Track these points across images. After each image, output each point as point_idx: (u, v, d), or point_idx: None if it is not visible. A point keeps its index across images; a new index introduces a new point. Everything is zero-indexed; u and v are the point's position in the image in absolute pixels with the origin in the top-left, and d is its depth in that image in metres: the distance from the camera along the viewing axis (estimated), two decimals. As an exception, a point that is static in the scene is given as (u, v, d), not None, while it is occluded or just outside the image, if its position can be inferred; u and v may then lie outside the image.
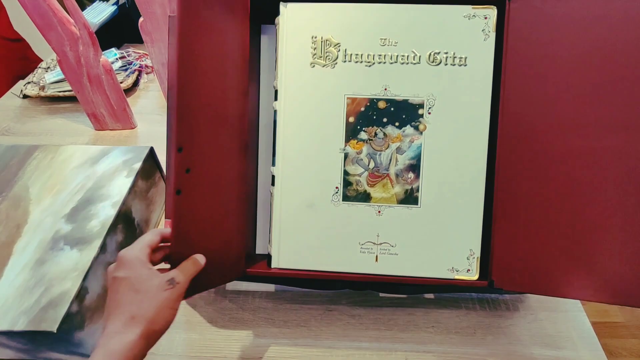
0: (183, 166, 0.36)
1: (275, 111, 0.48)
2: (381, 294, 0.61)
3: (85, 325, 0.49)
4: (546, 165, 0.44)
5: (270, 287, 0.62)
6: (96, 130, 0.90)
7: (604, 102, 0.42)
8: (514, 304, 0.60)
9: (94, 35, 0.74)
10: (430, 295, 0.61)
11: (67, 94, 0.94)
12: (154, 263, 0.39)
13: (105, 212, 0.55)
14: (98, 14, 1.05)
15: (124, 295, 0.35)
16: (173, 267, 0.39)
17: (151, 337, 0.35)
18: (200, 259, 0.40)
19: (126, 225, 0.58)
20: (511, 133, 0.45)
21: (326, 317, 0.58)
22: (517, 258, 0.46)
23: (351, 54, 0.46)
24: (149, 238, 0.39)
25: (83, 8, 1.10)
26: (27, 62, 1.18)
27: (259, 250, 0.54)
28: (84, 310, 0.48)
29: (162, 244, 0.40)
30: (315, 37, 0.46)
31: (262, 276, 0.50)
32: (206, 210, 0.40)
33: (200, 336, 0.56)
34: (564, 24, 0.43)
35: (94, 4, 1.11)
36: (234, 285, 0.62)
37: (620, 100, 0.42)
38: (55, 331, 0.43)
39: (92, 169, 0.62)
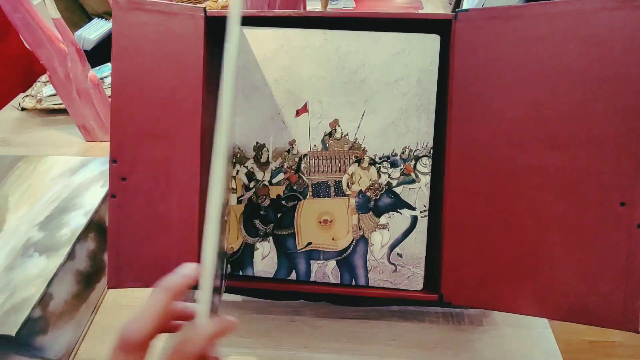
0: (118, 175, 0.38)
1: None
2: (346, 306, 0.61)
3: (49, 330, 0.51)
4: (494, 182, 0.45)
5: (237, 297, 0.63)
6: (87, 141, 0.93)
7: (547, 120, 0.43)
8: (478, 318, 0.60)
9: (82, 51, 0.78)
10: (395, 308, 0.61)
11: (61, 106, 0.98)
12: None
13: (77, 220, 0.58)
14: (96, 31, 1.09)
15: None
16: None
17: None
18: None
19: (99, 234, 0.60)
20: (459, 150, 0.46)
21: (289, 327, 0.59)
22: (466, 273, 0.46)
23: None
24: (161, 304, 0.30)
25: (82, 25, 1.15)
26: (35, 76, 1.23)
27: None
28: (47, 316, 0.50)
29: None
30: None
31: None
32: (142, 217, 0.42)
33: (162, 343, 0.57)
34: (507, 43, 0.44)
35: (93, 21, 1.16)
36: (202, 294, 0.63)
37: (562, 117, 0.42)
38: (14, 335, 0.45)
39: (69, 179, 0.65)
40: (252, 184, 0.50)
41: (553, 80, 0.43)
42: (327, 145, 0.49)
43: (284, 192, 0.49)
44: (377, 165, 0.48)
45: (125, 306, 0.62)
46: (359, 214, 0.49)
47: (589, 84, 0.42)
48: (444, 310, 0.61)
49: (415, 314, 0.61)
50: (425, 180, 0.48)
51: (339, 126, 0.48)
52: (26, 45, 0.91)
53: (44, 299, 0.50)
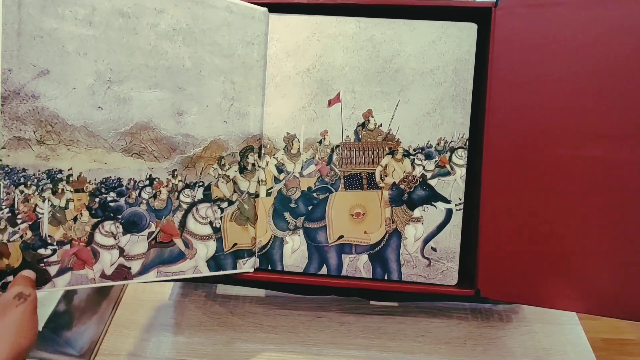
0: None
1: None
2: (372, 302, 0.60)
3: (73, 325, 0.49)
4: (532, 174, 0.44)
5: (260, 292, 0.62)
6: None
7: (588, 111, 0.42)
8: (508, 315, 0.59)
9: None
10: (422, 304, 0.60)
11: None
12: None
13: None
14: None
15: None
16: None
17: (20, 357, 0.34)
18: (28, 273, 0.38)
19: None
20: (497, 141, 0.44)
21: (315, 323, 0.58)
22: (503, 267, 0.45)
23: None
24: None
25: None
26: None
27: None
28: (72, 310, 0.49)
29: None
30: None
31: (252, 280, 0.50)
32: None
33: (188, 340, 0.56)
34: (550, 31, 0.42)
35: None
36: (224, 289, 0.62)
37: (604, 108, 0.41)
38: (40, 329, 0.44)
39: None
40: (282, 176, 0.48)
41: (597, 69, 0.41)
42: (360, 136, 0.47)
43: (315, 184, 0.48)
44: (412, 157, 0.47)
45: (146, 301, 0.61)
46: (392, 207, 0.48)
47: (635, 74, 0.41)
48: (472, 306, 0.60)
49: (443, 310, 0.60)
50: (461, 172, 0.47)
51: (372, 117, 0.47)
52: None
53: (68, 293, 0.48)
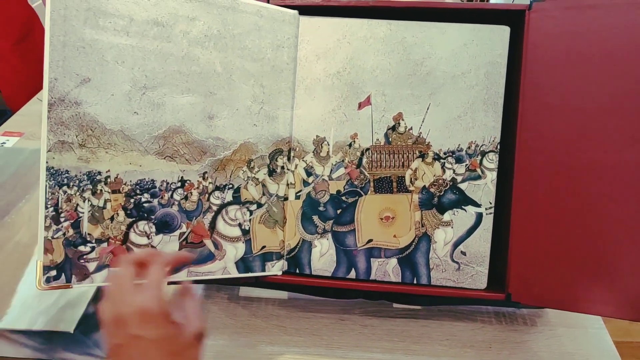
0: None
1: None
2: (395, 305, 0.60)
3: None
4: (566, 178, 0.43)
5: (283, 295, 0.62)
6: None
7: (626, 114, 0.41)
8: (532, 318, 0.59)
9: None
10: (445, 307, 0.60)
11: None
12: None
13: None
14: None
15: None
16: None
17: None
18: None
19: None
20: (530, 144, 0.44)
21: (338, 326, 0.58)
22: (535, 271, 0.45)
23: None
24: (161, 275, 0.34)
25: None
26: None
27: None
28: (100, 312, 0.49)
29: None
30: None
31: (275, 283, 0.50)
32: None
33: (212, 342, 0.56)
34: (585, 34, 0.42)
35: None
36: (247, 291, 0.62)
37: (639, 112, 0.41)
38: (72, 331, 0.44)
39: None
40: (310, 179, 0.48)
41: (633, 72, 0.41)
42: (390, 139, 0.47)
43: (344, 187, 0.48)
44: (442, 161, 0.47)
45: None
46: (421, 211, 0.48)
47: (673, 77, 0.40)
48: (495, 309, 0.60)
49: (467, 314, 0.59)
50: (492, 176, 0.47)
51: (402, 120, 0.47)
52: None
53: (97, 295, 0.49)
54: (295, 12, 0.47)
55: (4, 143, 0.74)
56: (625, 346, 1.38)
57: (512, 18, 0.45)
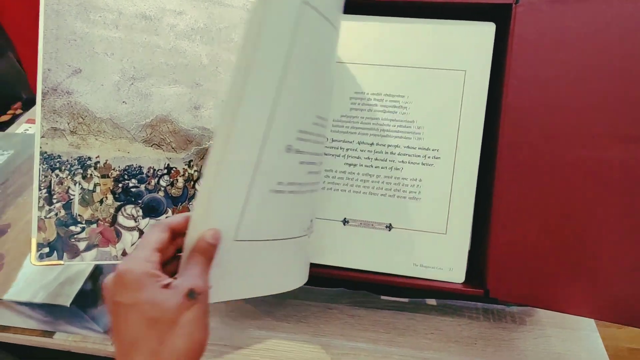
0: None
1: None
2: (382, 297, 0.61)
3: (99, 303, 0.53)
4: (550, 175, 0.43)
5: (274, 282, 0.64)
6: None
7: (612, 112, 0.40)
8: (521, 317, 0.58)
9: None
10: (432, 302, 0.60)
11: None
12: (170, 273, 0.30)
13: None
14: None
15: (138, 327, 0.26)
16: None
17: None
18: (210, 238, 0.30)
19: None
20: (512, 140, 0.44)
21: (325, 314, 0.59)
22: (514, 268, 0.44)
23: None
24: (155, 238, 0.30)
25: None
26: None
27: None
28: (97, 289, 0.53)
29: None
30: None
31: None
32: None
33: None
34: (572, 29, 0.41)
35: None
36: (240, 277, 0.64)
37: (627, 109, 0.40)
38: (68, 305, 0.47)
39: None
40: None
41: (623, 68, 0.40)
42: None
43: (327, 178, 0.49)
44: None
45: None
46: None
47: (662, 72, 0.39)
48: (484, 306, 0.60)
49: (454, 309, 0.59)
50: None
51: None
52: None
53: (95, 273, 0.52)
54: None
55: (27, 130, 0.80)
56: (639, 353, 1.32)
57: (497, 13, 0.45)
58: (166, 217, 0.46)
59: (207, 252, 0.30)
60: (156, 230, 0.30)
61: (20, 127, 0.81)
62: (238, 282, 0.36)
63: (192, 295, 0.27)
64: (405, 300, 0.60)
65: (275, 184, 0.35)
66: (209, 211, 0.31)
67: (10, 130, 0.80)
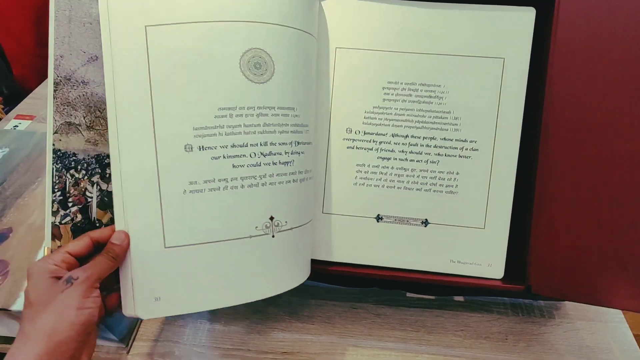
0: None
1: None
2: (408, 294, 0.59)
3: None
4: (592, 168, 0.41)
5: (294, 282, 0.61)
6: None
7: (662, 100, 0.39)
8: (549, 310, 0.57)
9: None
10: (460, 298, 0.59)
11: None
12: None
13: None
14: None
15: (23, 313, 0.31)
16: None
17: (58, 350, 0.30)
18: (114, 238, 0.34)
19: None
20: (554, 133, 0.42)
21: (351, 314, 0.57)
22: (557, 263, 0.43)
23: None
24: (72, 243, 0.35)
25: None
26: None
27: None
28: (112, 296, 0.49)
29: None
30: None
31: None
32: None
33: (224, 327, 0.56)
34: (618, 15, 0.40)
35: None
36: (258, 278, 0.61)
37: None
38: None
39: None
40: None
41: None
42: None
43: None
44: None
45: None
46: (439, 199, 0.46)
47: None
48: (512, 301, 0.59)
49: (482, 304, 0.58)
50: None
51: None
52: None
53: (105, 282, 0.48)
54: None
55: (16, 126, 0.74)
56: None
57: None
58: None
59: (110, 251, 0.34)
60: (79, 238, 0.35)
61: (8, 124, 0.75)
62: (194, 291, 0.37)
63: (69, 280, 0.32)
64: (432, 297, 0.59)
65: (187, 184, 0.35)
66: (127, 222, 0.34)
67: (-2, 127, 0.74)
